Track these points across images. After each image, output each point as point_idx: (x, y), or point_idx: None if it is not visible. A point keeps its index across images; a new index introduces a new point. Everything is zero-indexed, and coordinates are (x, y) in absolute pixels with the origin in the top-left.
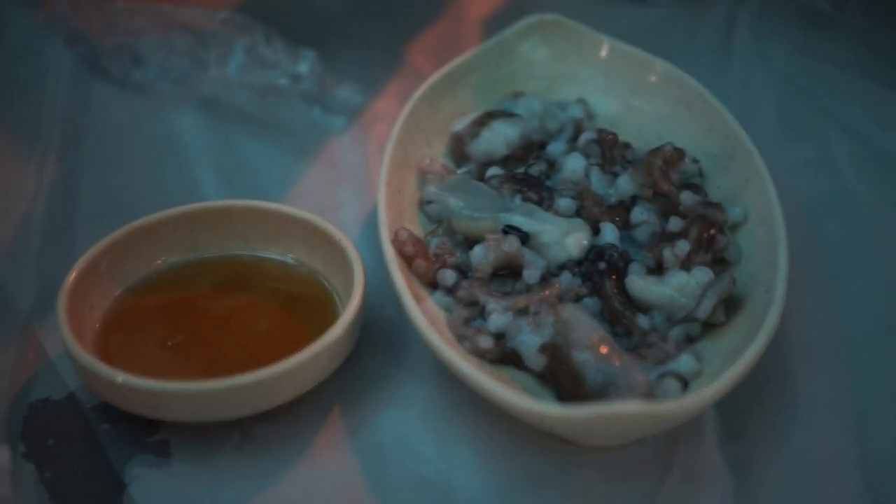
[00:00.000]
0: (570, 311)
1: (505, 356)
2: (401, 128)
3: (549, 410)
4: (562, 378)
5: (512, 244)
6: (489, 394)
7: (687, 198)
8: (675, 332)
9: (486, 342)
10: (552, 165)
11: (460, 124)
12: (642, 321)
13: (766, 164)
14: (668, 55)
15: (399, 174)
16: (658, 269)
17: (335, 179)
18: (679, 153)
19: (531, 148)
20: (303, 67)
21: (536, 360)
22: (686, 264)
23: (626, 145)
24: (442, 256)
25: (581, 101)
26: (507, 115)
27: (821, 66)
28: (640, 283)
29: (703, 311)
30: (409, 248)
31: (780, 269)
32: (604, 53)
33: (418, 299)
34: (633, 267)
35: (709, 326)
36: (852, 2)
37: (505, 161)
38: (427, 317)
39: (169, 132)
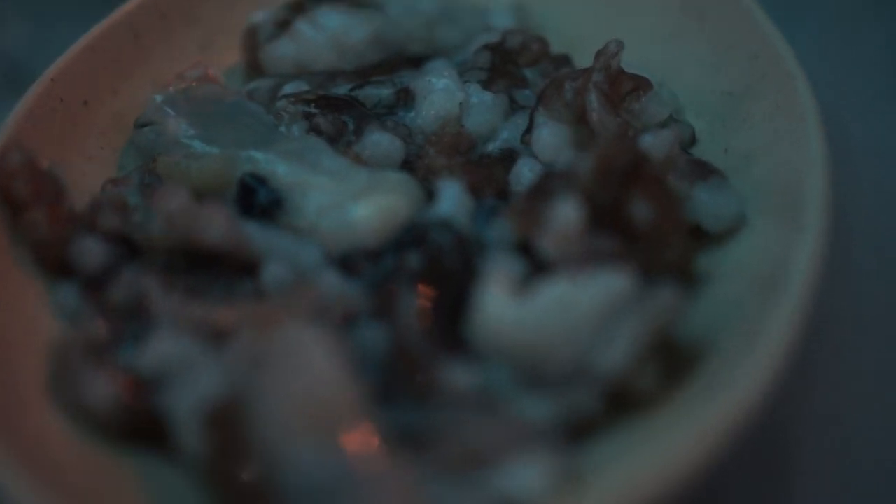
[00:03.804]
0: (287, 336)
1: (142, 425)
2: (136, 8)
3: None
4: (233, 478)
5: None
6: None
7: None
8: (541, 409)
9: (101, 390)
10: (408, 94)
11: (263, 13)
12: (460, 376)
13: (824, 121)
14: None
15: (105, 80)
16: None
17: None
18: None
19: (397, 66)
20: None
21: (194, 437)
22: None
23: (565, 60)
24: (95, 214)
25: (517, 5)
26: (355, 2)
27: None
28: (496, 304)
29: (612, 361)
30: (23, 185)
31: (790, 293)
32: None
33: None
34: (494, 272)
35: (621, 398)
36: None
37: (339, 78)
38: None
39: None
